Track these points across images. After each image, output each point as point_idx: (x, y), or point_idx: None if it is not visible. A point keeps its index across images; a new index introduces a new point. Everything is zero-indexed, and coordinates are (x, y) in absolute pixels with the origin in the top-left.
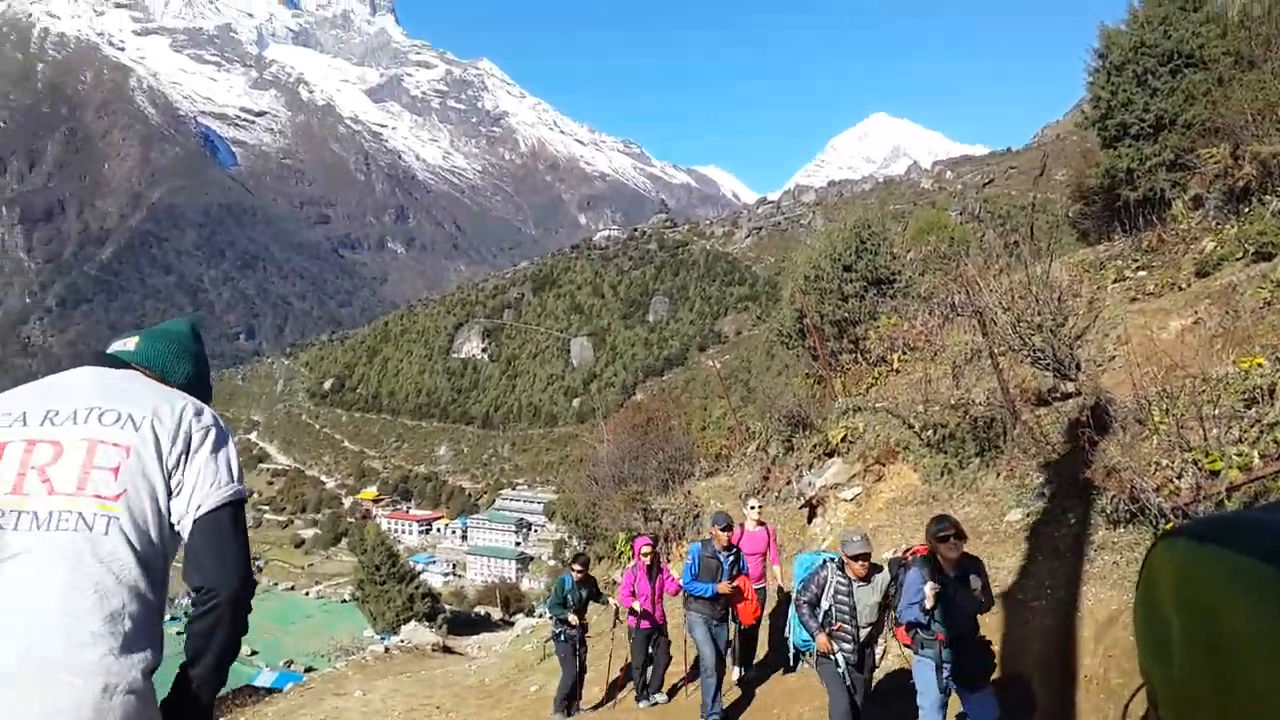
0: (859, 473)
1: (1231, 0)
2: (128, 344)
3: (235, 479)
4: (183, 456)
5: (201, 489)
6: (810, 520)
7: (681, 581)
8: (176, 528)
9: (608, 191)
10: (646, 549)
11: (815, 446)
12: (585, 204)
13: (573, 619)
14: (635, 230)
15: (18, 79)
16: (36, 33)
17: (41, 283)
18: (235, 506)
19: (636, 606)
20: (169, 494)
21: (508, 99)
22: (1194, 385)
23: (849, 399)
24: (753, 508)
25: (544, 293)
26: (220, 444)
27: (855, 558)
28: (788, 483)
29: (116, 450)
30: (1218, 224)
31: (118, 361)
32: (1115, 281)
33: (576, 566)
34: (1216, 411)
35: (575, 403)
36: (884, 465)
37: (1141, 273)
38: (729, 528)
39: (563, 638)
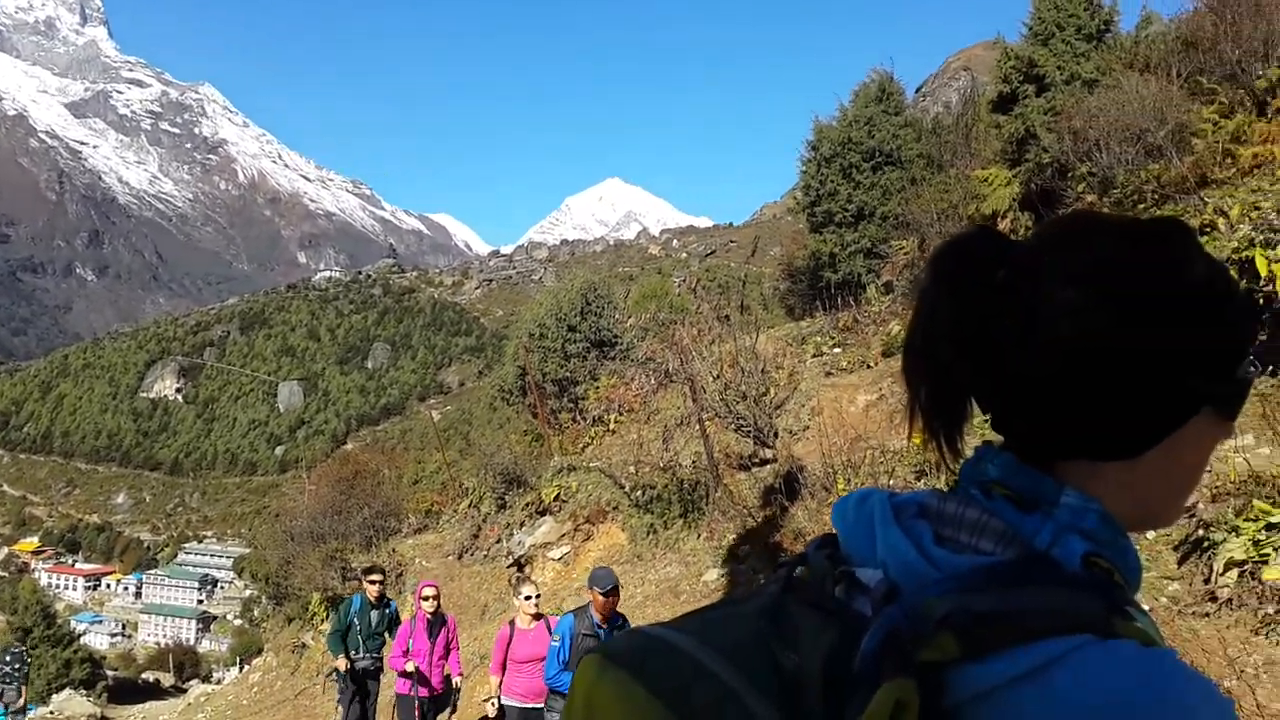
0: (569, 532)
1: (928, 108)
2: None
3: None
4: None
5: None
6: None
7: (547, 674)
8: None
9: (332, 231)
10: (430, 593)
11: (528, 505)
12: (307, 242)
13: (343, 663)
14: (359, 273)
15: None
16: None
17: None
18: None
19: (411, 667)
20: None
21: (229, 127)
22: (874, 456)
23: (565, 458)
24: (528, 598)
25: (253, 332)
26: None
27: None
28: (498, 541)
29: None
30: (904, 309)
31: None
32: (814, 356)
33: (373, 578)
34: (892, 481)
35: (279, 451)
36: (594, 525)
37: (837, 350)
38: (614, 591)
39: (343, 681)
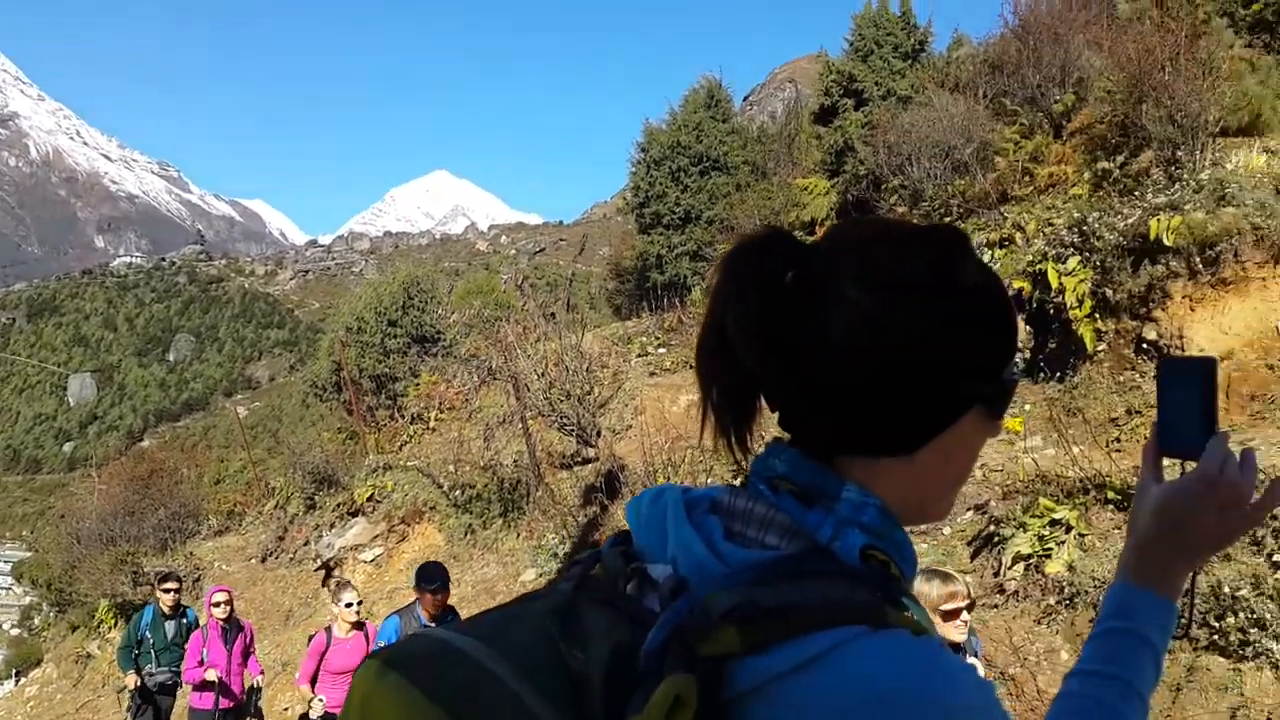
0: (382, 533)
1: (754, 117)
2: None
3: None
4: None
5: None
6: (325, 583)
7: None
8: None
9: (134, 214)
10: (221, 599)
11: (339, 505)
12: (106, 225)
13: (132, 680)
14: (163, 260)
15: None
16: None
17: None
18: None
19: (213, 676)
20: None
21: (21, 99)
22: (694, 455)
23: (380, 456)
24: (349, 605)
25: (41, 320)
26: None
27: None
28: (305, 543)
29: None
30: None
31: None
32: (639, 356)
33: (167, 586)
34: (710, 479)
35: (67, 447)
36: (409, 525)
37: (661, 350)
38: (443, 587)
39: (134, 699)
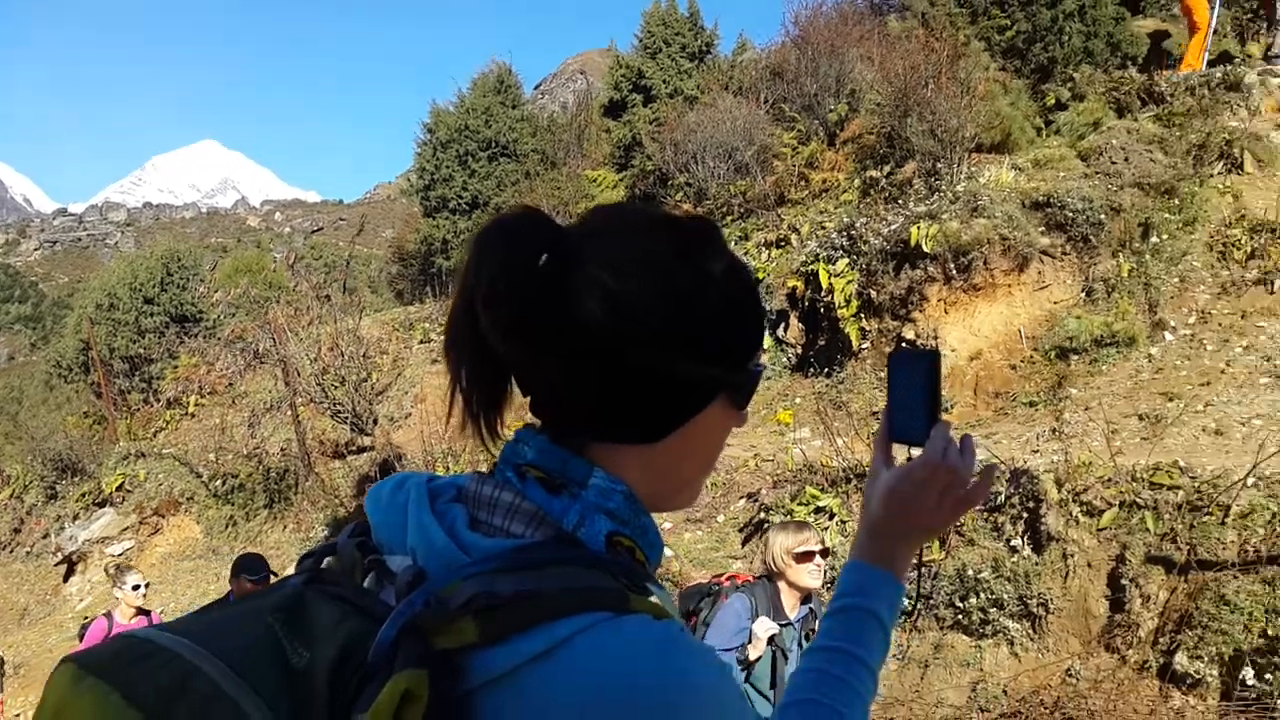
0: (133, 525)
1: (545, 106)
2: None
3: None
4: None
5: None
6: (67, 579)
7: None
8: None
9: None
10: None
11: (85, 495)
12: None
13: None
14: None
15: None
16: None
17: None
18: None
19: None
20: None
21: None
22: (475, 445)
23: (132, 443)
24: (136, 587)
25: None
26: None
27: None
28: (45, 536)
29: None
30: None
31: None
32: (421, 342)
33: None
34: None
35: None
36: (163, 517)
37: (444, 336)
38: (266, 580)
39: None
